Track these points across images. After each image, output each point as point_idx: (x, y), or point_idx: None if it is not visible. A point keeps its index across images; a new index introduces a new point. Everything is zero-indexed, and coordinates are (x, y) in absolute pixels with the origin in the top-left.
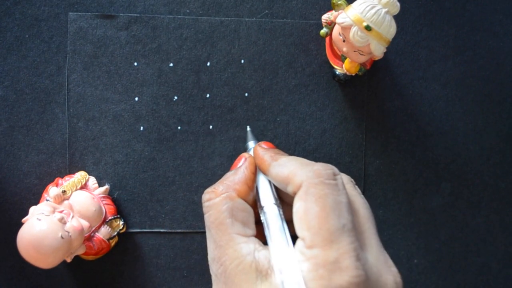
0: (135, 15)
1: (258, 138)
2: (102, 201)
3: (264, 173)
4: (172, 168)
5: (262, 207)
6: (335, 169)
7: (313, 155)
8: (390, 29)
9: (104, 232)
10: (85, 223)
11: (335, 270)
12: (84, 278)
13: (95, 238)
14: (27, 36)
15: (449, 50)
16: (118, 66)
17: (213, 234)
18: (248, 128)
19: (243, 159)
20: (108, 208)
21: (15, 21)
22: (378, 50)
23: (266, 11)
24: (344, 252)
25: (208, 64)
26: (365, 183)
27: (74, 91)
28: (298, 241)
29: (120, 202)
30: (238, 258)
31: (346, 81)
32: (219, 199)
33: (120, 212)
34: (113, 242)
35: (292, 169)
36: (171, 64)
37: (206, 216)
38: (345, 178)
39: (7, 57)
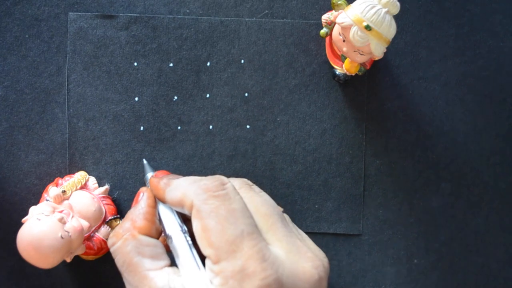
0: (135, 15)
1: (257, 139)
2: (102, 201)
3: (162, 201)
4: (172, 168)
5: (168, 237)
6: (223, 179)
7: (313, 155)
8: (390, 29)
9: (104, 232)
10: (85, 223)
11: (243, 278)
12: (84, 278)
13: (95, 238)
14: (27, 36)
15: (449, 50)
16: (118, 66)
17: (126, 277)
18: (145, 161)
19: (141, 194)
20: (108, 208)
21: (15, 21)
22: (378, 50)
23: (266, 11)
24: (248, 257)
25: (208, 64)
26: (365, 183)
27: (74, 91)
28: (206, 260)
29: (120, 202)
30: None
31: (346, 81)
32: (121, 242)
33: (120, 212)
34: None
35: (183, 190)
36: (171, 64)
37: (116, 261)
38: (237, 183)
39: (7, 57)
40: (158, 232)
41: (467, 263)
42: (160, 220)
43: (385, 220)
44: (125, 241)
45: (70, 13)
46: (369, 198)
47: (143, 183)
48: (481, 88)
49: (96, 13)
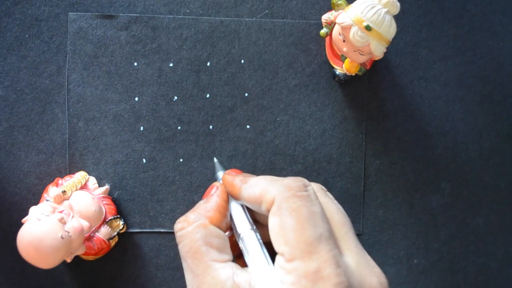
0: (135, 15)
1: (258, 139)
2: (102, 201)
3: (237, 198)
4: (172, 168)
5: (239, 234)
6: (305, 181)
7: (313, 155)
8: (390, 29)
9: (104, 232)
10: (85, 223)
11: (317, 279)
12: (84, 278)
13: (95, 238)
14: (27, 36)
15: (449, 50)
16: (118, 66)
17: (189, 264)
18: (215, 160)
19: (214, 188)
20: (108, 208)
21: (15, 21)
22: (378, 50)
23: (266, 11)
24: (324, 260)
25: (208, 64)
26: (365, 183)
27: (74, 91)
28: (278, 257)
29: (120, 202)
30: (217, 284)
31: (346, 81)
32: (192, 228)
33: (120, 212)
34: (113, 242)
35: (263, 187)
36: (171, 64)
37: (180, 246)
38: (315, 187)
39: (7, 57)
40: (227, 228)
41: (467, 263)
42: (231, 217)
43: (385, 220)
44: (196, 227)
45: (70, 13)
46: (369, 198)
47: (143, 182)
48: (481, 88)
49: (96, 13)
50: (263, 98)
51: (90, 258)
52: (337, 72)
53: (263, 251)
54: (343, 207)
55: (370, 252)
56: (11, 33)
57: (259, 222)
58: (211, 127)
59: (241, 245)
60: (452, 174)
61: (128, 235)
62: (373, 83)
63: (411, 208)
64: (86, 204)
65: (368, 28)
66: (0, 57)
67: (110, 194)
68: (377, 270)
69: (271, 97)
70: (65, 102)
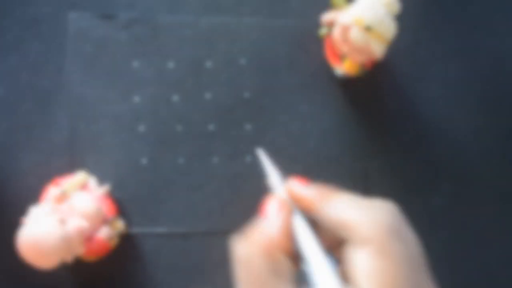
0: (135, 15)
1: (258, 139)
2: (102, 201)
3: (310, 212)
4: (172, 168)
5: (304, 259)
6: (399, 212)
7: (313, 155)
8: (390, 29)
9: (104, 233)
10: (85, 223)
11: None
12: (84, 278)
13: (95, 238)
14: (27, 36)
15: (449, 50)
16: (118, 66)
17: None
18: (262, 153)
19: (277, 205)
20: (108, 208)
21: (15, 21)
22: (378, 50)
23: (266, 11)
24: None
25: (208, 64)
26: (365, 183)
27: (74, 91)
28: None
29: (120, 203)
30: None
31: (346, 81)
32: (261, 259)
33: (120, 212)
34: (113, 242)
35: (355, 217)
36: (171, 64)
37: (239, 270)
38: (403, 218)
39: (7, 57)
40: (291, 252)
41: (467, 263)
42: (295, 237)
43: None
44: (261, 254)
45: (70, 13)
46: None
47: (144, 182)
48: (481, 88)
49: (96, 13)
50: (263, 98)
51: (90, 258)
52: (337, 72)
53: (339, 282)
54: None
55: None
56: (11, 33)
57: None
58: (211, 127)
59: (305, 271)
60: (452, 174)
61: (128, 235)
62: (373, 83)
63: (411, 208)
64: (86, 204)
65: (368, 28)
66: (0, 57)
67: (110, 194)
68: None
69: (271, 97)
70: (65, 102)
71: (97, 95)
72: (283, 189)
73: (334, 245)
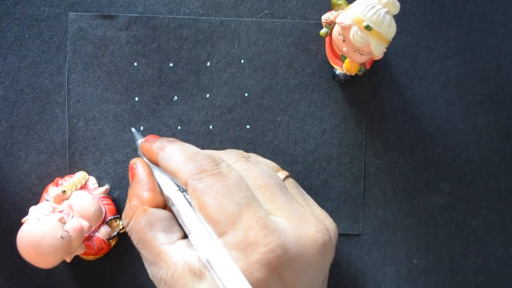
0: (135, 15)
1: (257, 139)
2: (102, 201)
3: (155, 162)
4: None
5: (167, 199)
6: (217, 158)
7: (313, 155)
8: (390, 29)
9: (104, 232)
10: (85, 223)
11: (246, 247)
12: (84, 278)
13: (95, 238)
14: (27, 36)
15: (449, 50)
16: (118, 66)
17: (143, 254)
18: (133, 129)
19: (134, 166)
20: (108, 208)
21: (15, 21)
22: (378, 50)
23: (266, 11)
24: (248, 227)
25: (208, 64)
26: (365, 183)
27: (74, 91)
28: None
29: (120, 202)
30: (170, 267)
31: (346, 81)
32: (133, 220)
33: (120, 212)
34: (113, 242)
35: (177, 163)
36: (171, 64)
37: (132, 240)
38: (233, 156)
39: (7, 57)
40: (165, 203)
41: (467, 263)
42: (158, 185)
43: (385, 220)
44: (137, 217)
45: (70, 13)
46: (369, 198)
47: None
48: (481, 88)
49: (96, 13)
50: (263, 98)
51: (90, 258)
52: (337, 72)
53: (192, 210)
54: (343, 207)
55: (370, 252)
56: (11, 33)
57: None
58: (211, 127)
59: (173, 210)
60: (452, 174)
61: (128, 235)
62: (373, 83)
63: (411, 208)
64: (86, 204)
65: (368, 28)
66: (0, 57)
67: (110, 194)
68: (312, 219)
69: (271, 97)
70: (65, 102)
71: (97, 95)
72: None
73: None
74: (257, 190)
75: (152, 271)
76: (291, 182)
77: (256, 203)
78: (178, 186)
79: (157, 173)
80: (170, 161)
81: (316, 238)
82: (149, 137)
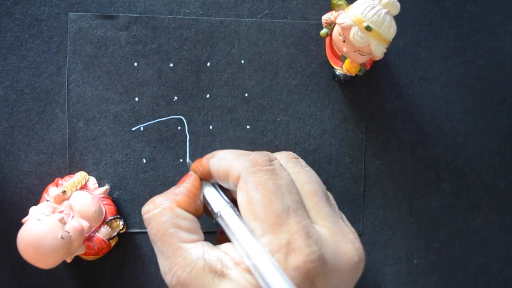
0: (135, 15)
1: (258, 139)
2: (102, 201)
3: (207, 176)
4: (172, 168)
5: (216, 214)
6: (271, 155)
7: (313, 155)
8: (390, 30)
9: (104, 232)
10: (85, 223)
11: (289, 252)
12: (84, 278)
13: (95, 238)
14: (27, 36)
15: (449, 50)
16: (118, 66)
17: (159, 246)
18: (189, 161)
19: (188, 176)
20: (108, 208)
21: (15, 21)
22: (378, 51)
23: (266, 11)
24: (294, 232)
25: (208, 64)
26: (365, 183)
27: (74, 91)
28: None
29: (120, 202)
30: (189, 265)
31: (346, 81)
32: (158, 210)
33: (120, 212)
34: (113, 242)
35: (230, 161)
36: (171, 64)
37: (148, 229)
38: (284, 157)
39: (7, 57)
40: (198, 212)
41: (467, 263)
42: (206, 200)
43: (385, 220)
44: (163, 210)
45: (70, 13)
46: (369, 198)
47: (143, 182)
48: (481, 88)
49: (96, 13)
50: (263, 98)
51: (90, 258)
52: (337, 73)
53: (242, 222)
54: (343, 207)
55: (370, 252)
56: (11, 33)
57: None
58: (211, 127)
59: (221, 224)
60: (452, 174)
61: (128, 235)
62: (373, 83)
63: (411, 208)
64: (86, 204)
65: (368, 28)
66: (0, 57)
67: (110, 194)
68: (351, 236)
69: (271, 97)
70: (65, 102)
71: (97, 95)
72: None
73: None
74: (305, 196)
75: (165, 266)
76: (330, 195)
77: (303, 210)
78: (228, 202)
79: (207, 189)
80: (222, 162)
81: (353, 255)
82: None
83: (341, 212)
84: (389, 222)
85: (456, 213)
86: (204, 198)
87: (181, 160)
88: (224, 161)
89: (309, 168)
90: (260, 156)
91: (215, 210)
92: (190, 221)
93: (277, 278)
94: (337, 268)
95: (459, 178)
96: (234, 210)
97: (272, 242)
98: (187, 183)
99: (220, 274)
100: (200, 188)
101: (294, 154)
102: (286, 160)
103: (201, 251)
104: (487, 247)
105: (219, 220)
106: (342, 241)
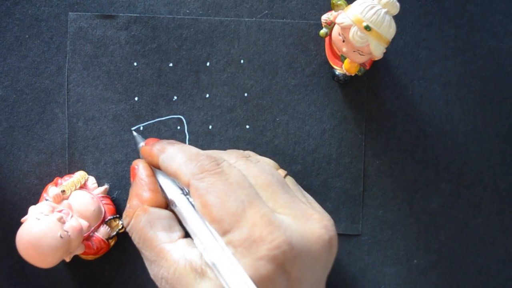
0: (135, 15)
1: (257, 139)
2: (101, 200)
3: (156, 165)
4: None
5: (171, 202)
6: (218, 158)
7: (312, 155)
8: (389, 29)
9: (103, 232)
10: (84, 223)
11: (251, 244)
12: (83, 278)
13: (94, 237)
14: (27, 36)
15: (449, 50)
16: (118, 66)
17: (144, 253)
18: (134, 133)
19: (136, 167)
20: (107, 207)
21: (15, 21)
22: (377, 50)
23: (266, 11)
24: (252, 224)
25: (208, 64)
26: (365, 183)
27: (74, 91)
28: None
29: (119, 202)
30: (171, 266)
31: (346, 81)
32: (134, 219)
33: (119, 211)
34: (112, 242)
35: (179, 164)
36: (171, 64)
37: (132, 240)
38: (233, 156)
39: (7, 57)
40: (166, 203)
41: (467, 263)
42: (160, 187)
43: (385, 220)
44: (137, 217)
45: (70, 13)
46: (368, 198)
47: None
48: (481, 88)
49: (96, 13)
50: (263, 98)
51: (89, 257)
52: (336, 72)
53: (196, 212)
54: (343, 207)
55: (369, 252)
56: (11, 33)
57: None
58: (210, 127)
59: (177, 213)
60: (452, 174)
61: (127, 234)
62: (372, 83)
63: (411, 208)
64: (85, 204)
65: (367, 28)
66: (0, 57)
67: (109, 193)
68: (316, 216)
69: (270, 97)
70: (65, 102)
71: (96, 95)
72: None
73: None
74: (259, 188)
75: (153, 270)
76: (290, 180)
77: (259, 200)
78: (181, 189)
79: (159, 176)
80: (171, 163)
81: (321, 234)
82: (149, 140)
83: (306, 195)
84: (389, 222)
85: (456, 213)
86: (159, 184)
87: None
88: (174, 162)
89: (261, 162)
90: (207, 161)
91: (169, 197)
92: (164, 218)
93: (233, 275)
94: (306, 249)
95: (459, 178)
96: (188, 198)
97: (234, 239)
98: (142, 176)
99: (200, 272)
100: (154, 175)
101: (244, 152)
102: (236, 159)
103: (181, 250)
104: (487, 247)
105: (175, 209)
106: (307, 223)
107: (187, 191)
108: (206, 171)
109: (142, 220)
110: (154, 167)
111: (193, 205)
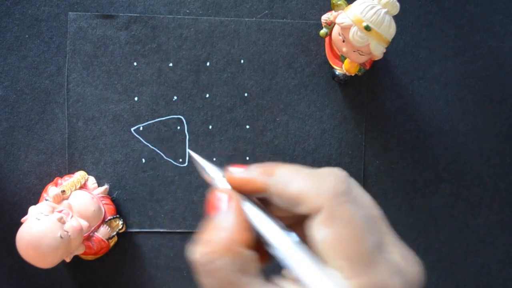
0: (135, 15)
1: (257, 139)
2: (101, 201)
3: (258, 192)
4: (171, 168)
5: (270, 246)
6: (345, 176)
7: (312, 155)
8: (389, 30)
9: (103, 232)
10: (84, 223)
11: None
12: (83, 278)
13: (94, 238)
14: (27, 36)
15: (449, 50)
16: (118, 66)
17: None
18: (195, 155)
19: (225, 198)
20: (107, 208)
21: (15, 21)
22: (377, 50)
23: (266, 11)
24: (384, 270)
25: (208, 64)
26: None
27: (74, 91)
28: (333, 272)
29: (119, 202)
30: None
31: (346, 81)
32: (225, 260)
33: (119, 212)
34: (112, 242)
35: (303, 187)
36: (171, 64)
37: (207, 281)
38: (352, 181)
39: (7, 57)
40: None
41: (467, 263)
42: (250, 223)
43: None
44: (230, 259)
45: (70, 13)
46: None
47: (143, 182)
48: (481, 88)
49: (96, 13)
50: (263, 98)
51: (89, 257)
52: (336, 72)
53: (312, 260)
54: None
55: None
56: (11, 33)
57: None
58: (210, 127)
59: (281, 259)
60: (452, 174)
61: (127, 235)
62: (372, 83)
63: (411, 208)
64: (85, 204)
65: (367, 28)
66: (0, 57)
67: (109, 193)
68: (415, 258)
69: (270, 97)
70: (64, 102)
71: (96, 95)
72: (223, 180)
73: (295, 221)
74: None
75: None
76: None
77: (388, 240)
78: (285, 231)
79: (250, 209)
80: (290, 185)
81: (420, 277)
82: (233, 167)
83: None
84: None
85: (456, 213)
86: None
87: (180, 159)
88: (294, 184)
89: (364, 190)
90: (339, 181)
91: (271, 242)
92: (256, 261)
93: None
94: None
95: (459, 178)
96: (301, 245)
97: (367, 285)
98: (233, 209)
99: None
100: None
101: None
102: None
103: None
104: (487, 247)
105: (273, 252)
106: (411, 264)
107: (295, 234)
108: (343, 195)
109: (235, 262)
110: (249, 193)
111: (309, 252)
